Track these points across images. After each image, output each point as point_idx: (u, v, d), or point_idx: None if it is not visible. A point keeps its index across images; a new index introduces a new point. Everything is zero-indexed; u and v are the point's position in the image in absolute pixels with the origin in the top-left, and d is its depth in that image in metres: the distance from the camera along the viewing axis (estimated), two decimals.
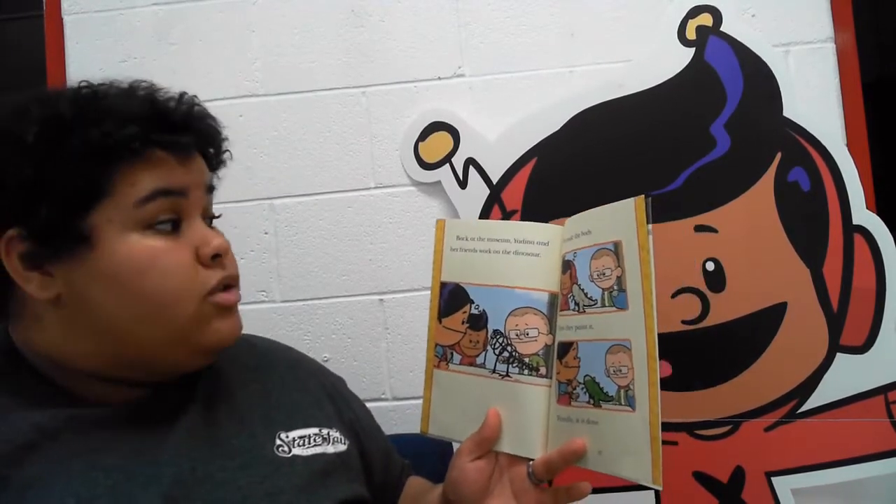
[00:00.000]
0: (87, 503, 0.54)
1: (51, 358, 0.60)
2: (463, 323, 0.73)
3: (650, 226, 0.61)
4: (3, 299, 0.61)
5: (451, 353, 0.74)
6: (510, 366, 0.69)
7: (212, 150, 0.68)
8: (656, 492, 1.08)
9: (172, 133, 0.60)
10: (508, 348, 0.70)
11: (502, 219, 1.12)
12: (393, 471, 0.82)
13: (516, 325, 0.70)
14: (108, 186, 0.58)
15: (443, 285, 0.75)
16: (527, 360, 0.69)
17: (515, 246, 0.71)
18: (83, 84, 0.62)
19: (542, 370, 0.68)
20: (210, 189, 0.67)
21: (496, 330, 0.71)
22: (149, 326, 0.59)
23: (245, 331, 0.81)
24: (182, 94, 0.64)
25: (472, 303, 0.73)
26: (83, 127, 0.57)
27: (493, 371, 0.70)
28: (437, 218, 1.15)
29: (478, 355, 0.72)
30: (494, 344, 0.70)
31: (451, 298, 0.74)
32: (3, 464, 0.54)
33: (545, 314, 0.69)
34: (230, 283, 0.64)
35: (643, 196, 0.62)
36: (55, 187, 0.56)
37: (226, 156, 0.71)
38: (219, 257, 0.63)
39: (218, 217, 0.69)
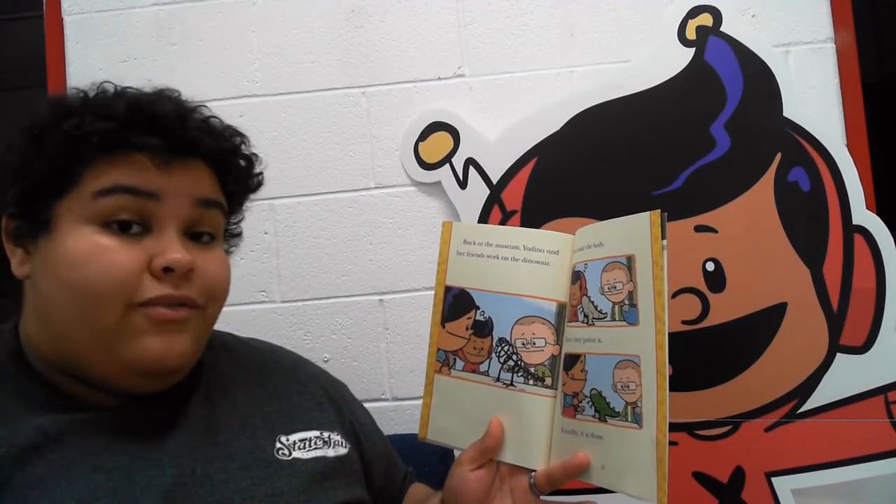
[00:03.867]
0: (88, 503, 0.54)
1: (32, 346, 0.61)
2: (467, 329, 0.72)
3: (665, 241, 0.60)
4: (13, 278, 0.63)
5: (454, 359, 0.73)
6: (515, 375, 0.69)
7: (235, 166, 0.67)
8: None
9: (151, 135, 0.59)
10: (514, 357, 0.69)
11: (502, 219, 1.12)
12: (395, 477, 0.82)
13: (523, 334, 0.69)
14: (77, 178, 0.58)
15: (447, 289, 0.74)
16: (532, 369, 0.68)
17: (525, 253, 0.70)
18: (106, 83, 0.63)
19: (548, 381, 0.68)
20: (205, 203, 0.63)
21: (502, 338, 0.70)
22: (76, 325, 0.57)
23: (245, 331, 0.81)
24: (181, 102, 0.63)
25: (478, 309, 0.72)
26: (66, 118, 0.59)
27: (497, 379, 0.69)
28: (435, 218, 1.16)
29: (482, 362, 0.71)
30: (499, 352, 0.70)
31: (456, 303, 0.73)
32: (6, 465, 0.54)
33: (553, 324, 0.68)
34: (184, 304, 0.60)
35: (659, 210, 0.61)
36: (32, 172, 0.59)
37: (259, 179, 0.71)
38: (171, 272, 0.58)
39: (211, 234, 0.65)
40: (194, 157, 0.62)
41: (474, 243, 0.73)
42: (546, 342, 0.68)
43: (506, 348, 0.70)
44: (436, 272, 0.75)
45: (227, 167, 0.66)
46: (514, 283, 0.70)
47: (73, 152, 0.58)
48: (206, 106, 0.66)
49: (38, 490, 0.54)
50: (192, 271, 0.60)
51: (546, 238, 0.70)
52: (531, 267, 0.70)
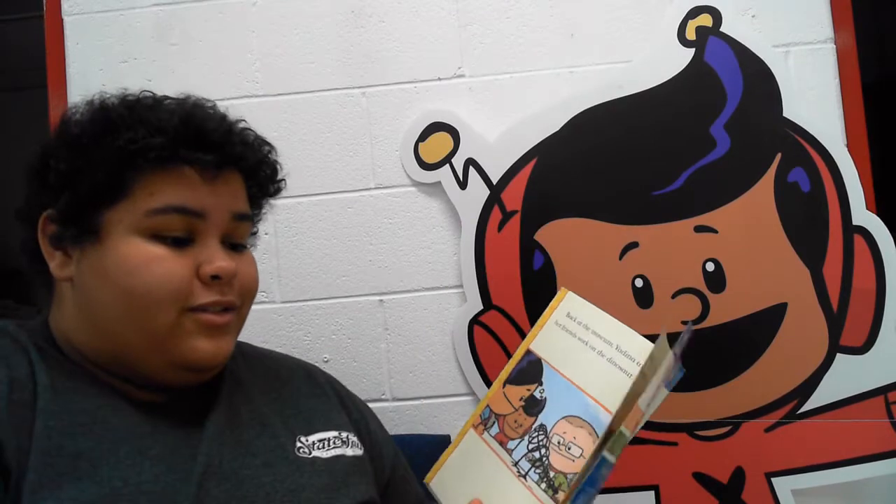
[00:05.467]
0: (134, 486, 0.56)
1: (71, 344, 0.63)
2: (520, 400, 0.68)
3: (650, 374, 0.57)
4: (45, 277, 0.65)
5: (493, 422, 0.68)
6: (533, 468, 0.62)
7: (261, 175, 0.70)
8: (656, 492, 1.08)
9: (201, 150, 0.62)
10: (542, 450, 0.63)
11: (502, 219, 1.12)
12: (403, 497, 0.81)
13: (564, 432, 0.62)
14: (128, 189, 0.61)
15: (527, 353, 0.71)
16: (552, 473, 0.61)
17: (613, 353, 0.64)
18: (145, 92, 0.66)
19: (560, 496, 0.59)
20: (240, 217, 0.67)
21: (543, 424, 0.64)
22: (129, 327, 0.61)
23: (245, 332, 0.81)
24: (224, 116, 0.67)
25: (541, 385, 0.67)
26: (118, 130, 0.61)
27: (515, 464, 0.64)
28: (435, 218, 1.16)
29: (513, 439, 0.66)
30: (533, 437, 0.64)
31: (528, 369, 0.69)
32: (61, 435, 0.56)
33: (598, 437, 0.59)
34: (227, 308, 0.64)
35: (664, 338, 0.57)
36: (81, 180, 0.61)
37: (281, 185, 0.74)
38: (218, 279, 0.63)
39: (247, 247, 0.70)
40: (233, 170, 0.66)
41: (574, 320, 0.69)
42: (582, 454, 0.60)
43: (540, 437, 0.64)
44: (529, 332, 0.71)
45: (257, 177, 0.70)
46: (587, 377, 0.64)
47: (127, 165, 0.61)
48: (243, 119, 0.70)
49: (87, 462, 0.56)
50: (235, 277, 0.64)
51: (640, 348, 0.62)
52: (612, 370, 0.62)
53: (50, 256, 0.63)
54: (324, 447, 0.69)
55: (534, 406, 0.66)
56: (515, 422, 0.66)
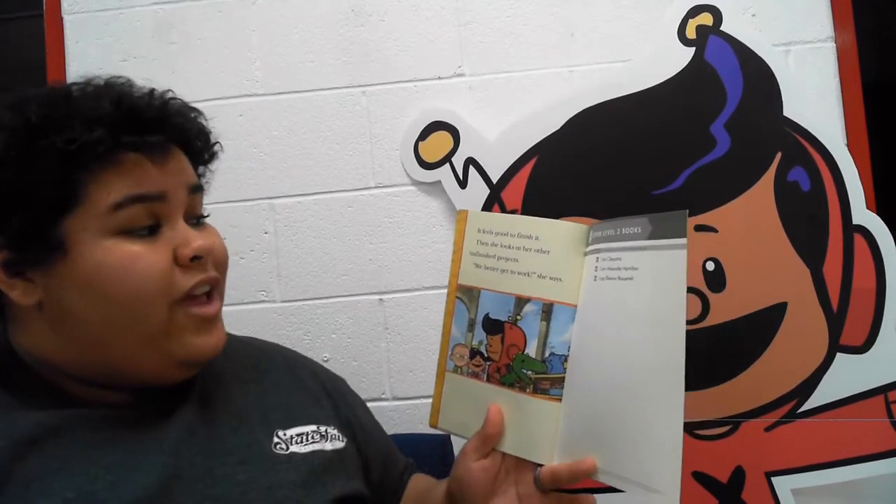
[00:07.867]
0: (87, 496, 0.54)
1: (42, 361, 0.61)
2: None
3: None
4: None
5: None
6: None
7: (198, 144, 0.66)
8: None
9: (143, 133, 0.58)
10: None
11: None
12: (393, 471, 0.82)
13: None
14: (80, 193, 0.57)
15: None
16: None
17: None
18: (54, 85, 0.62)
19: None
20: (195, 189, 0.64)
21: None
22: (121, 334, 0.58)
23: (245, 331, 0.81)
24: (152, 91, 0.62)
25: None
26: (50, 133, 0.55)
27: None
28: (435, 217, 1.16)
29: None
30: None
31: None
32: (5, 459, 0.54)
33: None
34: (212, 286, 0.62)
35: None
36: (26, 196, 0.56)
37: (216, 148, 0.69)
38: (199, 259, 0.61)
39: (206, 216, 0.67)
40: (176, 144, 0.63)
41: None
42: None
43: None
44: (451, 269, 0.73)
45: (194, 146, 0.66)
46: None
47: (73, 168, 0.56)
48: (170, 90, 0.65)
49: (37, 482, 0.54)
50: (212, 252, 0.62)
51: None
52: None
53: (9, 287, 0.58)
54: (302, 442, 0.68)
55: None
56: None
